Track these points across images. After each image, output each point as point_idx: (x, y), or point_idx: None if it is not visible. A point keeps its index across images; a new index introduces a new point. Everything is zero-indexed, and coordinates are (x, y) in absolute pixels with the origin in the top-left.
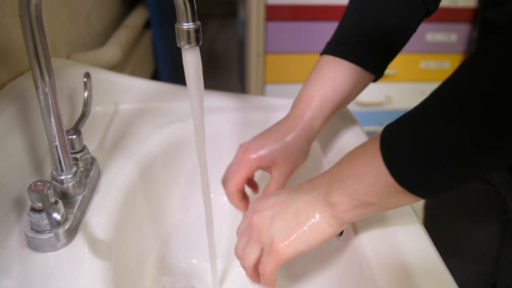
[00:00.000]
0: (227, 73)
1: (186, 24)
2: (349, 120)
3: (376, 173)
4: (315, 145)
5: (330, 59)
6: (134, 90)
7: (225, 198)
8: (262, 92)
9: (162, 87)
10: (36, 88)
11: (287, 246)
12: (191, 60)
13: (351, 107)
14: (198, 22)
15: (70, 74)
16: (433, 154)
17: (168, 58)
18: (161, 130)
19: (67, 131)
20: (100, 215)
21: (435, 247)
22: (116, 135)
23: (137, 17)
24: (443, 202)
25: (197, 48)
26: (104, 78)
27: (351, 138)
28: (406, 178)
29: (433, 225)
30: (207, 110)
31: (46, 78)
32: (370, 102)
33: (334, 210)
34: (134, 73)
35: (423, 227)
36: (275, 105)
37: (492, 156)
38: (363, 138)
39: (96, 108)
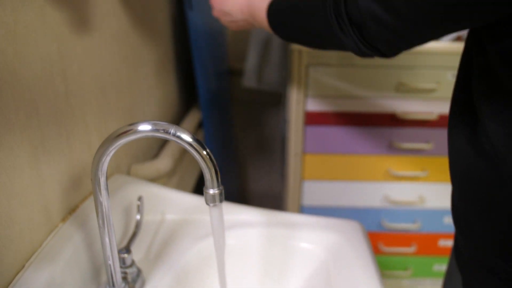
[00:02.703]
0: (269, 163)
1: (212, 189)
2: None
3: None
4: (325, 275)
5: None
6: (180, 202)
7: None
8: (300, 188)
9: (204, 201)
10: (97, 215)
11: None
12: (216, 216)
13: (383, 203)
14: (221, 187)
15: (127, 191)
16: (282, 10)
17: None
18: (199, 243)
19: (120, 250)
20: None
21: None
22: (160, 244)
23: (190, 120)
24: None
25: (221, 205)
26: (155, 192)
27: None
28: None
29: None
30: (237, 224)
31: (104, 214)
32: (403, 201)
33: (251, 18)
34: (184, 176)
35: None
36: (300, 223)
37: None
38: (372, 270)
39: (146, 217)
